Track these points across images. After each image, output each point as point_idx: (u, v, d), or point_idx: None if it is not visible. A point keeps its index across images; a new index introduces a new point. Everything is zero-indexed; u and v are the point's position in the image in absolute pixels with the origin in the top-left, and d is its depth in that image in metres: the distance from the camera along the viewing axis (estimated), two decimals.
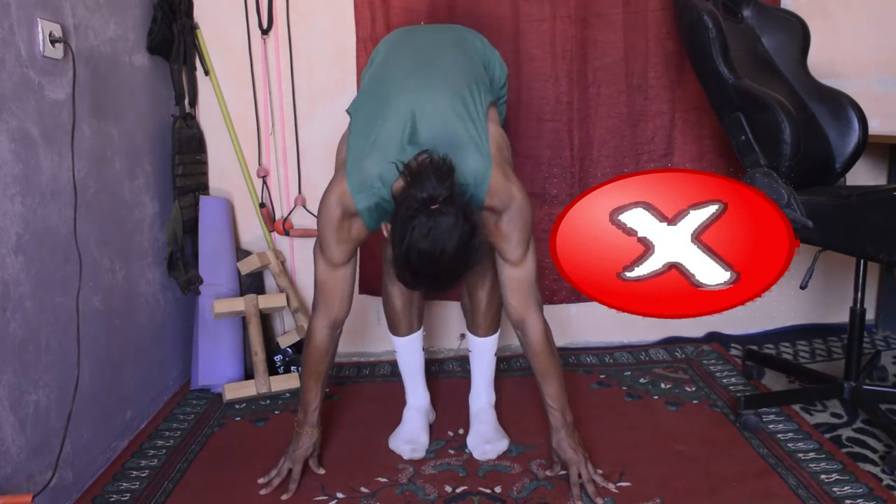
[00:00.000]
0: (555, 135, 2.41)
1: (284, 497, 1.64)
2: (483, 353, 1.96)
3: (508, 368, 2.40)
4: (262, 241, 2.49)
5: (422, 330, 2.00)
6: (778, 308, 2.67)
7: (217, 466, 1.81)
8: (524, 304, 1.64)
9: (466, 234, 1.36)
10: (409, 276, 1.41)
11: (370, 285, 2.48)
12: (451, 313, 2.58)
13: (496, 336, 1.96)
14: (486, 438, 1.85)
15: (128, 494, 1.67)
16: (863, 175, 2.58)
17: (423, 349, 2.02)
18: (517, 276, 1.61)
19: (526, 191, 1.58)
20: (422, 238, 1.34)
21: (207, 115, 2.43)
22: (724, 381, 2.25)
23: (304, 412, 1.73)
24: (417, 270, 1.38)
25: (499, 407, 2.01)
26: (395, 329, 1.98)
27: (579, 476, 1.63)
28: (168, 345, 2.26)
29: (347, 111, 1.67)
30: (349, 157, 1.54)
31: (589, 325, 2.63)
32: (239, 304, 2.27)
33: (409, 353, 1.98)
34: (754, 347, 2.49)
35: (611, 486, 1.64)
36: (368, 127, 1.55)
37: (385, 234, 1.48)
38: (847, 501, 1.55)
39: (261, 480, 1.70)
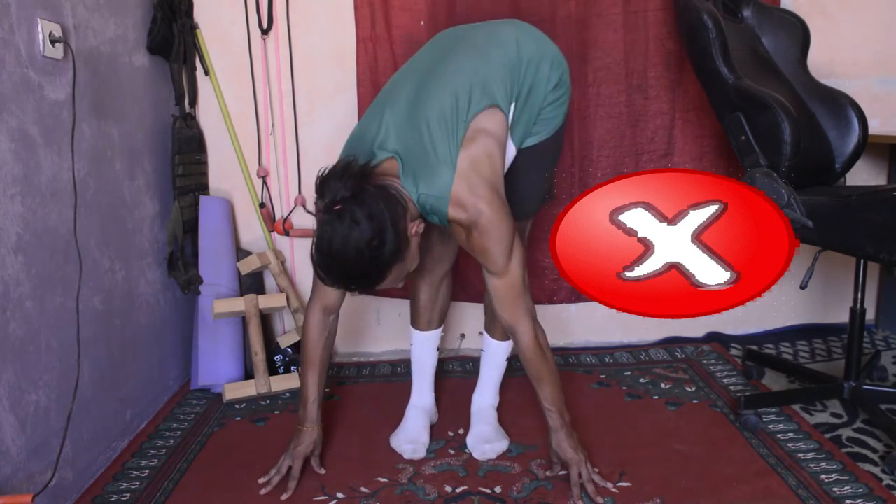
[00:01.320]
0: None
1: (284, 497, 1.64)
2: (496, 355, 1.97)
3: (509, 368, 2.40)
4: (262, 241, 2.49)
5: (440, 329, 2.01)
6: (778, 308, 2.67)
7: (217, 466, 1.81)
8: (512, 314, 1.62)
9: (365, 239, 1.36)
10: (317, 271, 1.45)
11: None
12: (452, 313, 2.57)
13: (511, 342, 1.94)
14: (485, 438, 1.86)
15: (128, 494, 1.67)
16: (863, 175, 2.58)
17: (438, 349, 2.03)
18: (501, 286, 1.59)
19: (501, 203, 1.53)
20: (319, 239, 1.38)
21: (207, 115, 2.43)
22: (724, 381, 2.25)
23: (304, 407, 1.73)
24: (317, 266, 1.42)
25: (499, 407, 2.01)
26: (415, 321, 2.00)
27: (579, 476, 1.63)
28: (168, 345, 2.26)
29: None
30: (341, 153, 1.58)
31: (589, 325, 2.63)
32: (239, 304, 2.27)
33: (423, 347, 1.99)
34: (754, 347, 2.49)
35: (610, 486, 1.64)
36: (361, 127, 1.58)
37: None
38: (847, 501, 1.55)
39: (261, 480, 1.70)
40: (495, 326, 1.95)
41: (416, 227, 1.49)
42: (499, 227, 1.52)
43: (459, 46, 1.67)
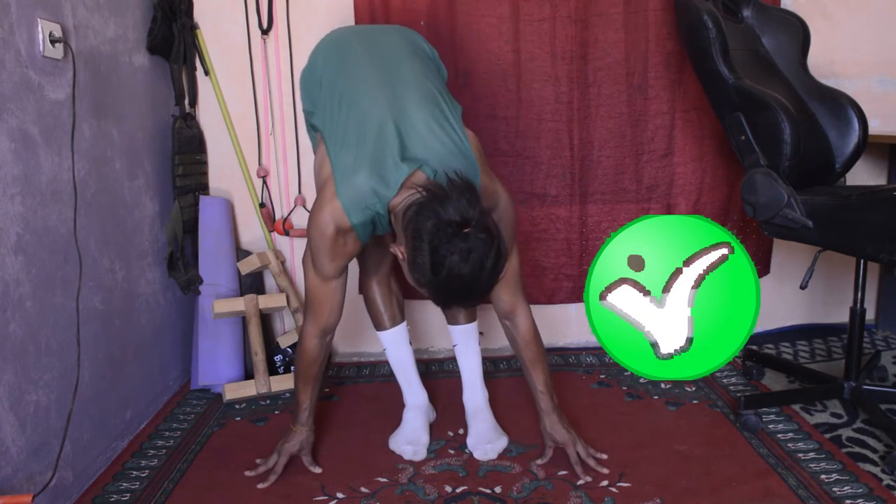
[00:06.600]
0: (555, 135, 2.41)
1: (260, 486, 1.68)
2: (469, 340, 1.96)
3: (508, 368, 2.41)
4: (262, 241, 2.49)
5: (405, 323, 2.02)
6: (778, 308, 2.67)
7: (217, 466, 1.81)
8: (514, 297, 1.71)
9: (498, 248, 1.37)
10: (446, 298, 1.43)
11: None
12: None
13: (476, 323, 1.98)
14: (486, 438, 1.86)
15: (128, 494, 1.67)
16: (863, 175, 2.58)
17: (413, 345, 2.04)
18: (508, 270, 1.60)
19: (507, 187, 1.65)
20: (462, 263, 1.33)
21: (207, 115, 2.43)
22: (724, 381, 2.25)
23: (296, 413, 1.76)
24: (457, 293, 1.39)
25: (496, 406, 2.01)
26: (379, 324, 1.99)
27: (578, 455, 1.70)
28: (168, 345, 2.26)
29: (312, 124, 1.68)
30: (336, 172, 1.53)
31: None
32: (239, 304, 2.27)
33: (396, 345, 1.99)
34: (754, 347, 2.49)
35: (603, 456, 1.74)
36: (351, 141, 1.54)
37: (399, 255, 1.45)
38: (847, 501, 1.56)
39: (248, 473, 1.74)
40: (457, 313, 1.95)
41: None
42: (511, 210, 1.65)
43: (396, 52, 1.71)
